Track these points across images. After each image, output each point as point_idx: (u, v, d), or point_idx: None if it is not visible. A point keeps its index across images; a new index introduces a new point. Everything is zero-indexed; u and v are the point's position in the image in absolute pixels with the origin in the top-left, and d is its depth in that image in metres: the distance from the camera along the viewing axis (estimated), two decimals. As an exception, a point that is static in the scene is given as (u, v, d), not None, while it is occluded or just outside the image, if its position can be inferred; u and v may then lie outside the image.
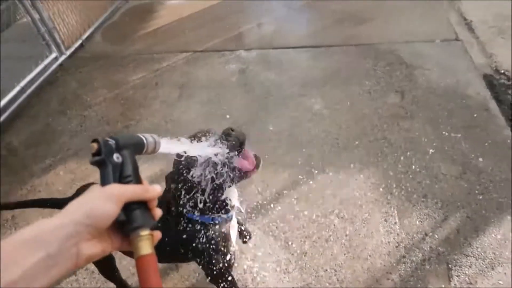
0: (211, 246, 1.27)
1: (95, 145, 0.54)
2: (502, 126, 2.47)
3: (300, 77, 3.17)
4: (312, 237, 2.00)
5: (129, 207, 0.51)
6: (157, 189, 0.55)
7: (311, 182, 2.29)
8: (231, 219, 1.33)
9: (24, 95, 3.33)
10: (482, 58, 3.05)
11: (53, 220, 0.45)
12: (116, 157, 0.54)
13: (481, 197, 2.08)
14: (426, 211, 2.05)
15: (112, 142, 0.55)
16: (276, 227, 2.07)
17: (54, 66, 3.70)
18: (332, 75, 3.14)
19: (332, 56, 3.36)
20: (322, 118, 2.74)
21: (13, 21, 4.83)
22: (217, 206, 1.22)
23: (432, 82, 2.89)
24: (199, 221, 1.25)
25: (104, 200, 0.48)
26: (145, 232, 0.51)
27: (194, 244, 1.27)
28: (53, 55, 3.71)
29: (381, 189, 2.20)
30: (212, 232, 1.27)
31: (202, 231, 1.26)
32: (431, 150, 2.37)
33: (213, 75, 3.40)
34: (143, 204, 0.53)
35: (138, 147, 0.59)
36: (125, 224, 0.51)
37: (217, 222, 1.27)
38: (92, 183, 1.45)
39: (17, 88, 3.26)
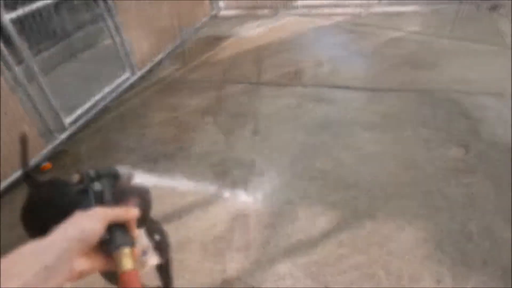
0: None
1: (77, 176, 0.63)
2: None
3: (353, 118, 3.15)
4: (353, 285, 1.91)
5: (111, 228, 0.57)
6: (136, 211, 0.61)
7: (357, 228, 2.21)
8: None
9: (94, 110, 3.64)
10: (557, 118, 2.82)
11: (49, 237, 0.50)
12: (96, 185, 0.63)
13: (549, 271, 1.86)
14: (484, 278, 1.87)
15: (92, 172, 0.64)
16: (317, 269, 2.00)
17: (125, 85, 4.03)
18: (386, 118, 3.08)
19: (387, 100, 3.31)
20: (372, 161, 2.67)
21: (97, 42, 5.38)
22: None
23: (497, 136, 2.71)
24: None
25: (91, 220, 0.54)
26: (126, 250, 0.56)
27: None
28: (126, 75, 4.04)
29: (432, 246, 2.06)
30: None
31: None
32: (492, 210, 2.19)
33: (268, 107, 3.49)
34: (123, 226, 0.59)
35: (115, 177, 0.69)
36: (108, 243, 0.56)
37: None
38: None
39: (89, 103, 3.58)
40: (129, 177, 0.73)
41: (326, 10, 5.71)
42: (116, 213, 0.58)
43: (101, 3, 3.66)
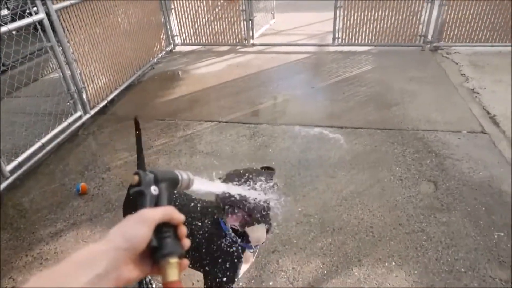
0: (219, 259, 1.39)
1: (136, 177, 0.60)
2: (548, 228, 2.34)
3: (327, 158, 3.12)
4: None
5: (161, 234, 0.56)
6: (181, 215, 0.60)
7: (347, 275, 2.10)
8: (245, 250, 1.42)
9: (43, 152, 3.24)
10: (512, 153, 3.03)
11: (99, 245, 0.51)
12: (153, 189, 0.60)
13: (539, 310, 1.88)
14: (478, 321, 1.84)
15: (151, 175, 0.61)
16: (313, 328, 1.84)
17: (77, 124, 3.67)
18: (361, 158, 3.09)
19: (358, 138, 3.35)
20: (354, 203, 2.62)
21: (40, 76, 4.94)
22: (240, 234, 1.35)
23: (465, 174, 2.83)
24: (225, 232, 1.37)
25: (137, 223, 0.54)
26: (173, 260, 0.55)
27: (207, 250, 1.41)
28: (78, 114, 3.69)
29: (425, 290, 2.00)
30: (228, 248, 1.37)
31: (221, 244, 1.38)
32: (474, 249, 2.21)
33: (238, 147, 3.36)
34: (173, 233, 0.58)
35: (174, 182, 0.67)
36: (156, 250, 0.55)
37: (234, 245, 1.38)
38: None
39: (37, 144, 3.18)
40: (189, 183, 0.71)
41: (282, 49, 5.85)
42: (163, 212, 0.57)
43: (52, 37, 3.36)
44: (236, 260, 1.40)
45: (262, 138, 3.46)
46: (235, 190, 1.15)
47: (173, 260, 0.55)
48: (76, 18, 3.65)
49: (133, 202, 1.67)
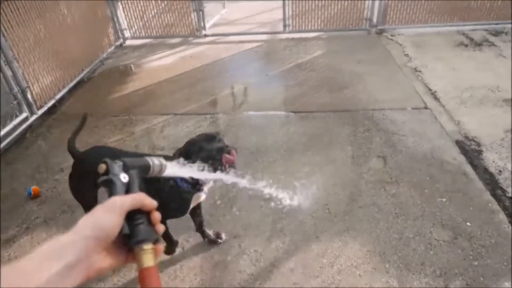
0: (173, 199, 1.77)
1: (103, 166, 0.59)
2: (481, 190, 2.58)
3: (283, 142, 3.21)
4: (315, 313, 1.87)
5: (133, 222, 0.55)
6: (153, 201, 0.59)
7: (306, 252, 2.21)
8: (194, 193, 1.83)
9: (-13, 158, 3.06)
10: (451, 126, 3.28)
11: (67, 236, 0.50)
12: (123, 176, 0.59)
13: (476, 263, 2.08)
14: (426, 280, 2.01)
15: (120, 163, 0.60)
16: (276, 304, 1.92)
17: (24, 126, 3.49)
18: (314, 140, 3.21)
19: (312, 122, 3.47)
20: (310, 183, 2.73)
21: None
22: (192, 180, 1.74)
23: (410, 147, 3.03)
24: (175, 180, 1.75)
25: (107, 212, 0.53)
26: (148, 246, 0.54)
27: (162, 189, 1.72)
28: (24, 115, 3.51)
29: (378, 257, 2.15)
30: (179, 191, 1.77)
31: (173, 187, 1.75)
32: (420, 215, 2.40)
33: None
34: (146, 219, 0.56)
35: (144, 169, 0.65)
36: (129, 237, 0.54)
37: (184, 187, 1.77)
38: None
39: (-21, 151, 3.00)
40: (161, 169, 0.69)
41: (235, 38, 5.86)
42: (133, 198, 0.56)
43: (-13, 35, 3.16)
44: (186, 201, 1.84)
45: (219, 127, 3.49)
46: (205, 175, 1.24)
47: (147, 246, 0.54)
48: (13, 14, 3.45)
49: (80, 176, 2.03)
